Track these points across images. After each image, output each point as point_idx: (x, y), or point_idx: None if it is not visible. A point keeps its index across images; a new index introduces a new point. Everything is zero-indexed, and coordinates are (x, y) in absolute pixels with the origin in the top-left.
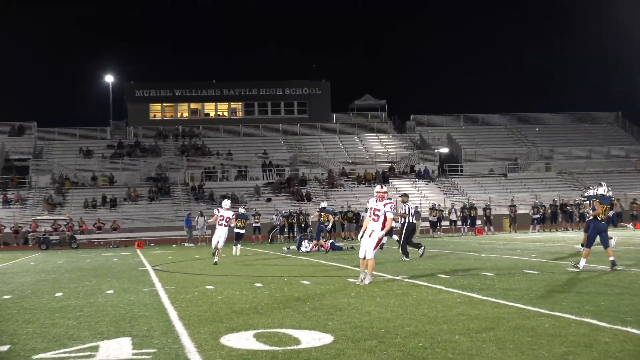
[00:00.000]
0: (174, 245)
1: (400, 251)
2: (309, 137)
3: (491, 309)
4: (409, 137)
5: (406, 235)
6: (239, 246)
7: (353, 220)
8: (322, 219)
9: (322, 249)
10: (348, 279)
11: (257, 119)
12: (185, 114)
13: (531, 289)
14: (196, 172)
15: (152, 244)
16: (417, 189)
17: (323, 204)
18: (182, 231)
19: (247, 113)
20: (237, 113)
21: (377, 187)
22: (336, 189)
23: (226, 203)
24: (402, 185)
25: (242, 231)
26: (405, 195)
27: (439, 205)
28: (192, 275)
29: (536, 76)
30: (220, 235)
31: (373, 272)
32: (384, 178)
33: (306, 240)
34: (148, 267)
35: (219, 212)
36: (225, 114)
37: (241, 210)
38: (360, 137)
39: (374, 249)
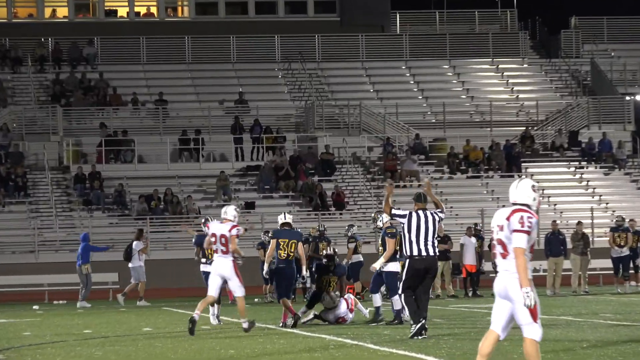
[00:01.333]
0: (35, 307)
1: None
2: (340, 67)
3: None
4: (567, 66)
5: (404, 285)
6: (217, 309)
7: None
8: (280, 251)
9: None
10: None
11: (222, 24)
12: (63, 12)
13: None
14: (87, 142)
15: None
16: (582, 182)
17: (282, 218)
18: (55, 275)
19: (202, 11)
20: (179, 11)
21: (528, 184)
22: (403, 183)
23: (229, 211)
24: (551, 174)
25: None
26: (420, 197)
27: (638, 221)
28: None
29: None
30: (220, 272)
31: None
32: (507, 159)
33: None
34: None
35: (208, 227)
36: (154, 11)
37: (206, 229)
38: (456, 66)
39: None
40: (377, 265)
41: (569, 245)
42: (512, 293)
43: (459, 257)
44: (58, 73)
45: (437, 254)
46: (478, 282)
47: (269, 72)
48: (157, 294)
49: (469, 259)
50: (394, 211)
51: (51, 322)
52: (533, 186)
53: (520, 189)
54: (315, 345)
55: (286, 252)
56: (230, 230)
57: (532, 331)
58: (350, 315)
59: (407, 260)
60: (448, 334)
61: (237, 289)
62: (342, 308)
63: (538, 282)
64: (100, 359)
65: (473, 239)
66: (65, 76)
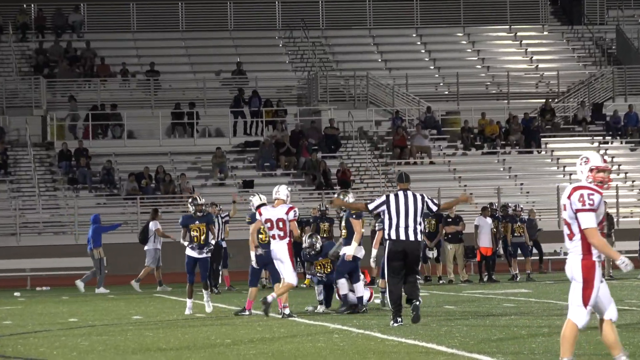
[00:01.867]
0: (17, 294)
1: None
2: (345, 35)
3: None
4: (591, 33)
5: (388, 270)
6: (207, 294)
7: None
8: (261, 235)
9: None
10: None
11: None
12: None
13: None
14: (71, 116)
15: None
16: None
17: (257, 200)
18: (38, 259)
19: None
20: None
21: (594, 159)
22: (414, 160)
23: (282, 190)
24: (573, 150)
25: (202, 254)
26: (402, 177)
27: None
28: None
29: None
30: (277, 255)
31: None
32: (526, 134)
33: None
34: None
35: (260, 214)
36: None
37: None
38: (470, 34)
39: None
40: (351, 252)
41: None
42: (575, 273)
43: (474, 240)
44: (41, 42)
45: (419, 238)
46: (494, 266)
47: (269, 41)
48: (148, 279)
49: (484, 241)
50: (371, 206)
51: (34, 310)
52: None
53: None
54: (318, 333)
55: (267, 235)
56: (287, 213)
57: (578, 315)
58: (365, 308)
59: (387, 244)
60: (461, 321)
61: (289, 274)
62: (364, 296)
63: (558, 265)
64: (87, 350)
65: (489, 220)
66: (49, 45)
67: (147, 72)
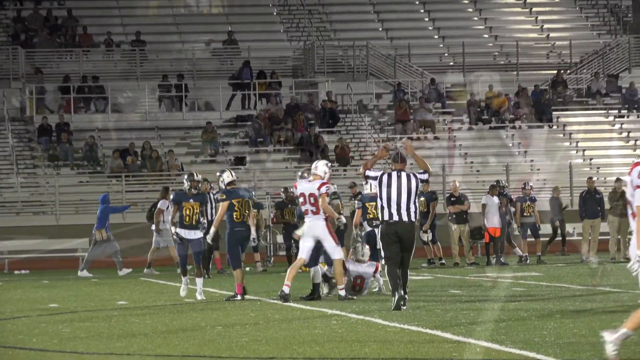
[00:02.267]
0: None
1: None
2: (344, 2)
3: None
4: (605, 1)
5: (384, 254)
6: (200, 281)
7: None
8: (236, 212)
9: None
10: None
11: None
12: None
13: None
14: (52, 89)
15: None
16: (622, 133)
17: (228, 176)
18: (16, 241)
19: None
20: None
21: None
22: (417, 135)
23: (320, 166)
24: (586, 124)
25: (195, 236)
26: (397, 158)
27: None
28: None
29: None
30: (313, 233)
31: None
32: (536, 107)
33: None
34: None
35: (296, 187)
36: None
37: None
38: (477, 1)
39: None
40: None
41: (607, 206)
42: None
43: (481, 220)
44: (19, 10)
45: (413, 219)
46: (503, 248)
47: (262, 9)
48: (133, 262)
49: (493, 222)
50: (368, 172)
51: (12, 295)
52: None
53: None
54: (315, 319)
55: (241, 212)
56: (319, 188)
57: None
58: (368, 283)
59: (380, 227)
60: (468, 306)
61: (334, 250)
62: (369, 270)
63: (572, 247)
64: (69, 337)
65: (496, 199)
66: (27, 14)
67: (133, 42)
